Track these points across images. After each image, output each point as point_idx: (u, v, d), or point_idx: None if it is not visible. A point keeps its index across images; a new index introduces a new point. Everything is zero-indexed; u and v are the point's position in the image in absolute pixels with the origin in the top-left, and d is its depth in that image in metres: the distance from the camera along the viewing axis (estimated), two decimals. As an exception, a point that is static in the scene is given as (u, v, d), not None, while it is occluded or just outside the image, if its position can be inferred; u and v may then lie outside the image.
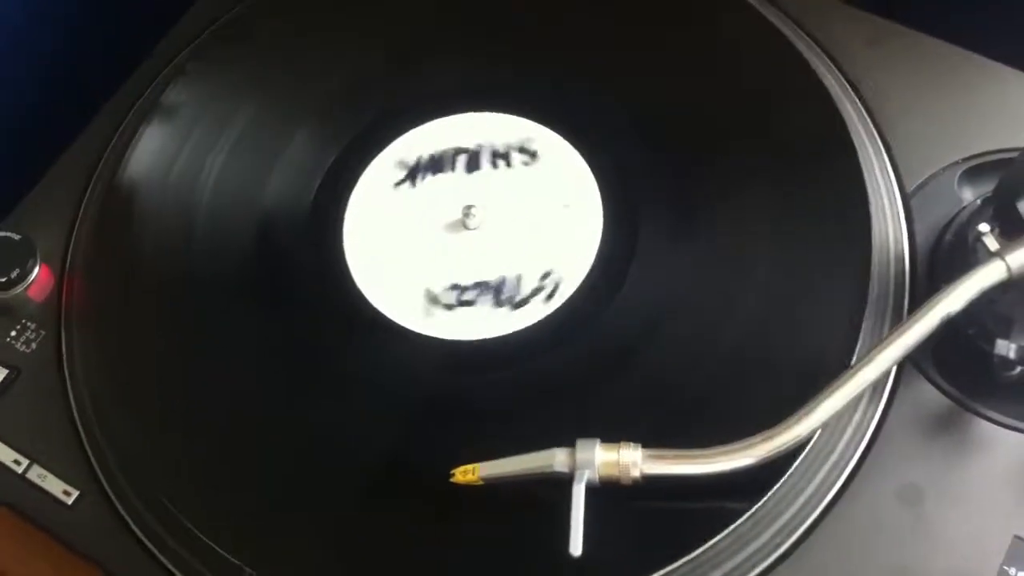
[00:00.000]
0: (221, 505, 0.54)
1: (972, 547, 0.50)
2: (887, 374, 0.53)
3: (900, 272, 0.57)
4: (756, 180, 0.60)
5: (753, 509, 0.50)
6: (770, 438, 0.48)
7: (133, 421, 0.56)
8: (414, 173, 0.64)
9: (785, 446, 0.48)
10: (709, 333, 0.56)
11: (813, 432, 0.49)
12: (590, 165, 0.63)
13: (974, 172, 0.59)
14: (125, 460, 0.56)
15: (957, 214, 0.58)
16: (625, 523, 0.50)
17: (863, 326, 0.54)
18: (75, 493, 0.56)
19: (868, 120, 0.61)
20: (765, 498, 0.50)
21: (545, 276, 0.59)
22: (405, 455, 0.55)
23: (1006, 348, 0.52)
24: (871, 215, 0.57)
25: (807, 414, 0.48)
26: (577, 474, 0.49)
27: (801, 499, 0.52)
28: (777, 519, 0.51)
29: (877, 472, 0.52)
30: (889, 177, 0.60)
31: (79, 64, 0.80)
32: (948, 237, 0.57)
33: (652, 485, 0.49)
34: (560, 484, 0.49)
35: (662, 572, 0.50)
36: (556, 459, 0.49)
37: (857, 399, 0.50)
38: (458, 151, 0.64)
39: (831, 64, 0.63)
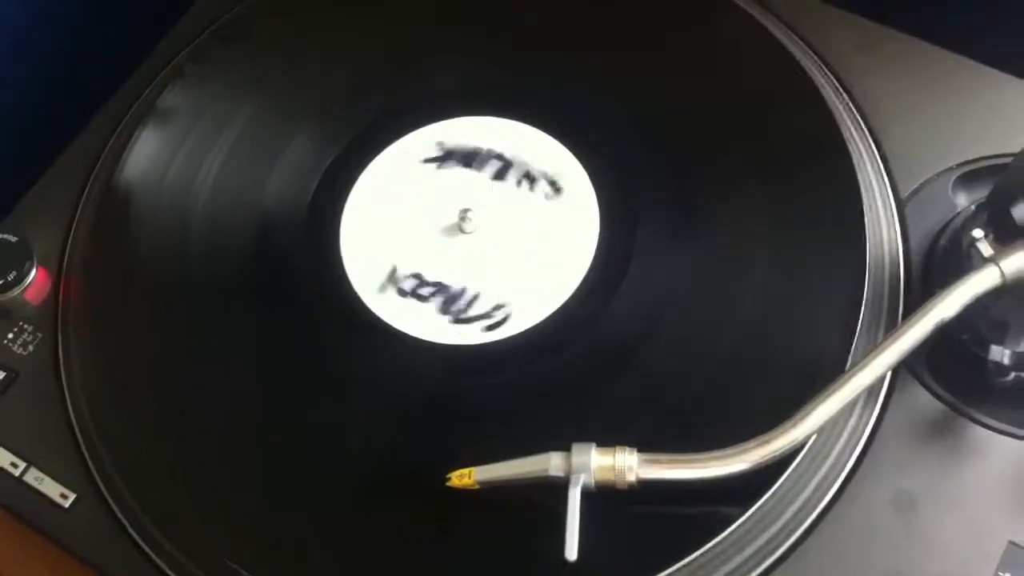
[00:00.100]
0: (219, 507, 0.54)
1: (967, 552, 0.50)
2: (882, 379, 0.54)
3: (895, 276, 0.57)
4: (753, 182, 0.60)
5: (748, 514, 0.50)
6: (765, 443, 0.48)
7: (130, 423, 0.56)
8: (447, 157, 0.64)
9: (780, 451, 0.48)
10: (707, 334, 0.56)
11: (808, 437, 0.49)
12: (594, 184, 0.62)
13: (968, 177, 0.59)
14: (122, 463, 0.56)
15: (951, 219, 0.58)
16: (621, 527, 0.50)
17: (858, 329, 0.54)
18: (72, 496, 0.56)
19: (862, 125, 0.61)
20: (760, 502, 0.50)
21: (498, 307, 0.59)
22: (404, 455, 0.55)
23: (1000, 354, 0.52)
24: (865, 220, 0.57)
25: (802, 419, 0.48)
26: (573, 478, 0.49)
27: (796, 504, 0.52)
28: (772, 524, 0.51)
29: (872, 477, 0.52)
30: (884, 182, 0.60)
31: (79, 64, 0.79)
32: (942, 242, 0.57)
33: (648, 489, 0.49)
34: (556, 488, 0.49)
35: (657, 577, 0.50)
36: (552, 464, 0.49)
37: (852, 404, 0.50)
38: (494, 156, 0.64)
39: (823, 68, 0.63)
